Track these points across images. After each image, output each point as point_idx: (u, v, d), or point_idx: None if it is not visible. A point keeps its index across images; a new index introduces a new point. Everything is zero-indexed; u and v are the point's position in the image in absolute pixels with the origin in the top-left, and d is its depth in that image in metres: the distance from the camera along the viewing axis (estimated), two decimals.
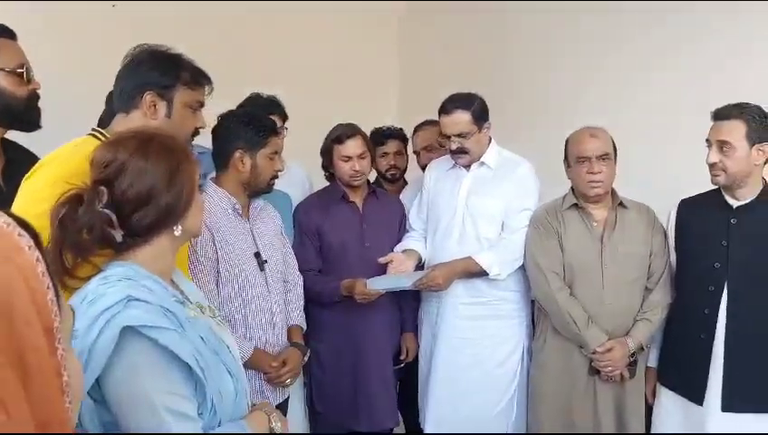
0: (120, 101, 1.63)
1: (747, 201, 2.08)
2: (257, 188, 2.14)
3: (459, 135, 2.45)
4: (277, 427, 1.42)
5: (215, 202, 2.07)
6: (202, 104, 1.69)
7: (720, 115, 2.05)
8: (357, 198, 2.58)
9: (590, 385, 2.29)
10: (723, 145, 2.02)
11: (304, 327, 2.29)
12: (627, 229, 2.27)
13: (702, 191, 2.23)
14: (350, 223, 2.54)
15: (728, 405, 2.04)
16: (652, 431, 2.28)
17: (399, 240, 2.66)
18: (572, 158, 2.29)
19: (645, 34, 3.15)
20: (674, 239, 2.27)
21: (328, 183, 2.70)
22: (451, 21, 4.19)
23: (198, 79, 1.66)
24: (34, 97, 1.84)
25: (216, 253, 2.02)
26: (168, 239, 1.26)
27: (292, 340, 2.20)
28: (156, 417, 1.11)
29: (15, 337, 0.59)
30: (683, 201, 2.30)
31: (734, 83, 2.65)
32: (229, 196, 2.11)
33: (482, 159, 2.52)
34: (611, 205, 2.32)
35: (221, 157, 2.13)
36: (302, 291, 2.34)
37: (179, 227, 1.26)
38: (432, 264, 2.53)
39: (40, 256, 0.65)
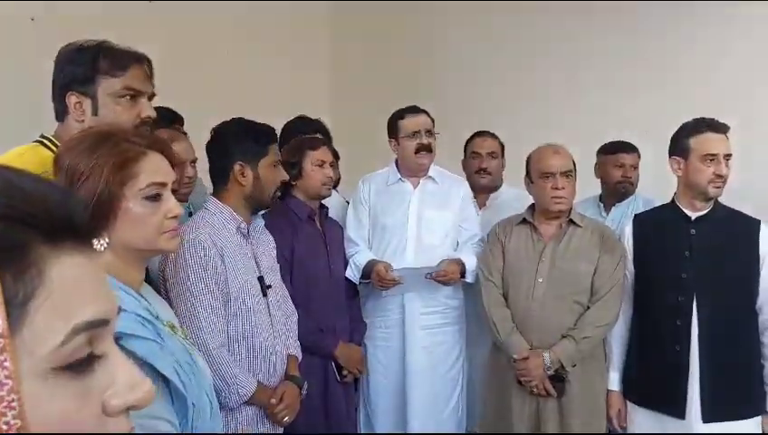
0: (55, 108, 1.52)
1: (705, 212, 2.15)
2: (261, 203, 1.98)
3: (429, 132, 2.60)
4: None
5: (219, 220, 1.91)
6: (138, 91, 1.49)
7: (720, 129, 2.11)
8: (316, 218, 2.46)
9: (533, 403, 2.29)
10: (728, 158, 2.08)
11: (300, 357, 2.11)
12: (572, 246, 2.30)
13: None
14: (316, 243, 2.43)
15: (709, 416, 2.05)
16: None
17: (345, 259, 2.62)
18: (536, 174, 2.32)
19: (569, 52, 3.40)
20: (632, 255, 2.29)
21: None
22: (383, 33, 4.29)
23: (120, 62, 1.47)
24: None
25: (226, 275, 1.84)
26: (121, 248, 1.11)
27: (288, 372, 2.02)
28: None
29: None
30: (637, 216, 2.37)
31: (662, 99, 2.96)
32: (234, 214, 1.93)
33: (429, 174, 2.65)
34: (561, 222, 2.35)
35: (220, 172, 1.97)
36: (297, 320, 2.16)
37: (103, 239, 1.09)
38: None
39: None
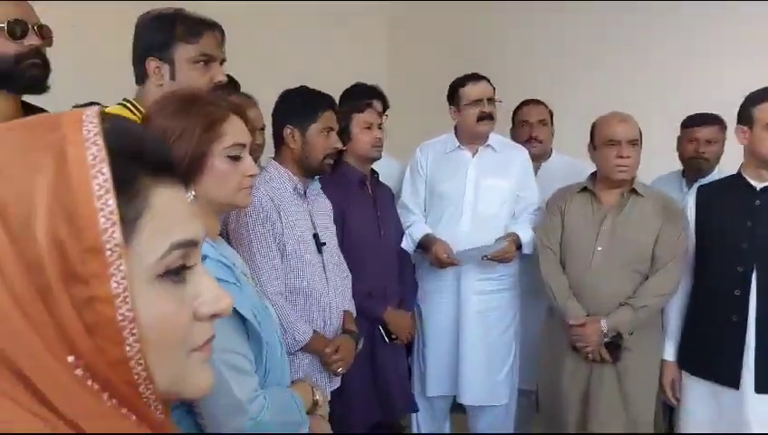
0: (135, 72, 1.60)
1: None
2: (310, 166, 2.05)
3: (490, 99, 2.61)
4: (320, 398, 1.41)
5: (277, 180, 2.01)
6: (211, 57, 1.56)
7: None
8: (368, 183, 2.50)
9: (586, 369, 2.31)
10: None
11: (354, 313, 2.19)
12: (633, 216, 2.28)
13: None
14: (368, 209, 2.46)
15: (762, 386, 2.04)
16: (682, 419, 2.26)
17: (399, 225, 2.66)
18: (601, 140, 2.29)
19: (626, 31, 3.47)
20: (694, 225, 2.26)
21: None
22: (441, 20, 4.29)
23: (195, 29, 1.54)
24: (26, 56, 1.56)
25: (282, 229, 1.94)
26: (204, 201, 1.20)
27: (344, 326, 2.10)
28: (215, 373, 1.06)
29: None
30: (700, 187, 2.35)
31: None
32: (291, 175, 2.04)
33: (488, 142, 2.66)
34: (623, 191, 2.33)
35: (275, 135, 2.09)
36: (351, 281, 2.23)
37: (191, 191, 1.17)
38: None
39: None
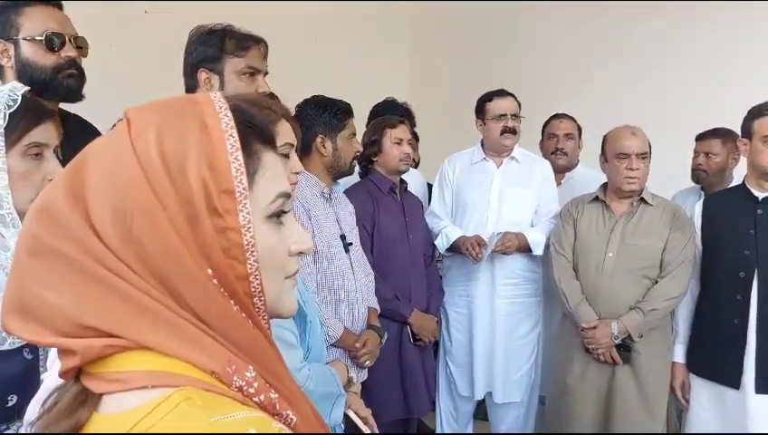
0: (186, 83, 1.72)
1: None
2: (341, 170, 2.23)
3: (514, 115, 2.77)
4: (354, 376, 1.55)
5: (305, 185, 2.13)
6: (257, 69, 1.68)
7: None
8: (397, 191, 2.67)
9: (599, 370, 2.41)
10: None
11: (378, 310, 2.32)
12: (642, 223, 2.40)
13: None
14: (396, 215, 2.61)
15: (762, 387, 2.14)
16: (690, 421, 2.36)
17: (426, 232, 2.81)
18: (611, 153, 2.42)
19: (639, 42, 3.58)
20: (700, 232, 2.38)
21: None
22: (462, 28, 4.47)
23: (243, 44, 1.65)
24: (63, 66, 1.65)
25: (313, 231, 2.06)
26: None
27: (369, 322, 2.24)
28: None
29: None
30: (707, 197, 2.52)
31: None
32: (318, 180, 2.18)
33: (512, 154, 2.82)
34: (632, 200, 2.44)
35: (303, 144, 2.16)
36: (374, 278, 2.36)
37: None
38: None
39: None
